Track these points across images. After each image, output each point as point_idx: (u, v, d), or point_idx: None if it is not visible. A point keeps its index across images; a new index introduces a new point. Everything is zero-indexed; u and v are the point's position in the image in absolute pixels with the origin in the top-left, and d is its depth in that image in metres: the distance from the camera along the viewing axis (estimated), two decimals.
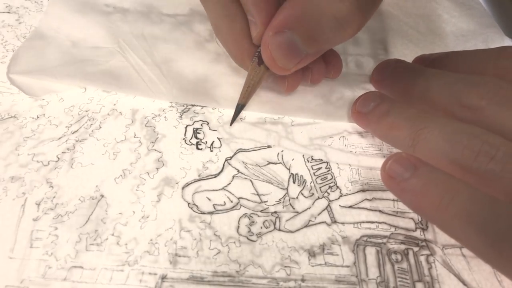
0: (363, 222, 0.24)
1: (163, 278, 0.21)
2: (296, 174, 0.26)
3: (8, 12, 0.33)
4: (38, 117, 0.27)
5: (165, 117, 0.28)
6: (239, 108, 0.27)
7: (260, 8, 0.23)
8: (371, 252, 0.23)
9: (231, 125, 0.28)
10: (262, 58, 0.24)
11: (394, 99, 0.26)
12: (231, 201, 0.24)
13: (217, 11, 0.25)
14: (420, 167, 0.21)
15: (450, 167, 0.21)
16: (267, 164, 0.26)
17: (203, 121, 0.28)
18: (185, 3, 0.34)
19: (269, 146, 0.27)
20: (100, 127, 0.27)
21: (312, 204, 0.25)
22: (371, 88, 0.30)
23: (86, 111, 0.27)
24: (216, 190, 0.25)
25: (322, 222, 0.24)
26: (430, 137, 0.22)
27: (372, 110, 0.26)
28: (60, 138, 0.26)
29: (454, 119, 0.23)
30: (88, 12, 0.32)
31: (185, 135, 0.27)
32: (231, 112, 0.27)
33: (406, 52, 0.33)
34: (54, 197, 0.23)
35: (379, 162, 0.27)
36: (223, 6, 0.24)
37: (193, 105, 0.29)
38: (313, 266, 0.22)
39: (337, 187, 0.26)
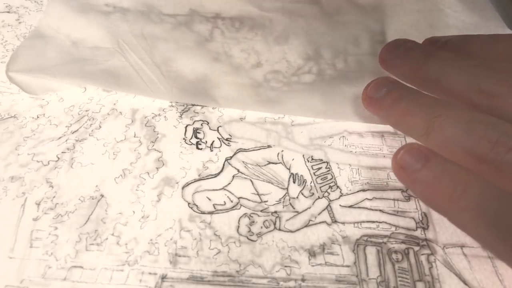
0: (364, 221, 0.24)
1: (163, 278, 0.21)
2: (296, 174, 0.26)
3: (8, 12, 0.33)
4: (38, 117, 0.26)
5: (165, 116, 0.28)
6: None
7: None
8: (371, 251, 0.23)
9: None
10: None
11: (407, 86, 0.25)
12: (231, 201, 0.24)
13: None
14: (432, 158, 0.20)
15: (465, 157, 0.20)
16: (267, 164, 0.26)
17: (203, 120, 0.28)
18: (185, 3, 0.34)
19: (269, 146, 0.27)
20: (100, 126, 0.27)
21: (312, 204, 0.25)
22: None
23: (86, 110, 0.27)
24: (216, 190, 0.25)
25: (322, 222, 0.24)
26: (445, 125, 0.21)
27: (384, 96, 0.24)
28: (60, 138, 0.26)
29: (470, 107, 0.22)
30: (88, 12, 0.32)
31: (185, 134, 0.27)
32: (231, 112, 0.27)
33: None
34: (54, 197, 0.23)
35: (379, 162, 0.27)
36: None
37: (193, 105, 0.29)
38: (313, 266, 0.22)
39: (337, 187, 0.26)
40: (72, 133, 0.26)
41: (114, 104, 0.28)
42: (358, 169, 0.26)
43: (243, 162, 0.26)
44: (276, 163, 0.26)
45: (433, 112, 0.22)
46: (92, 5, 0.33)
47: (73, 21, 0.31)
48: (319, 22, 0.34)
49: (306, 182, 0.26)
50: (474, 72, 0.23)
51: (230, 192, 0.25)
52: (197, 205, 0.24)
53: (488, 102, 0.22)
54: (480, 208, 0.18)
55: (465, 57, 0.24)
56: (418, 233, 0.24)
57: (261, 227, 0.23)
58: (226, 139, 0.27)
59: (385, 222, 0.24)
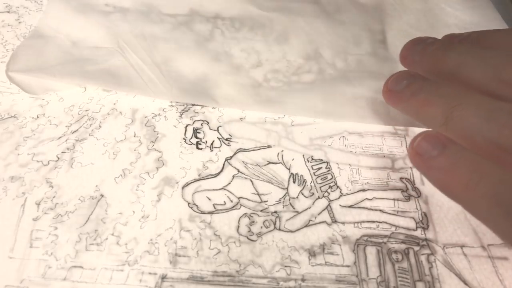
0: (364, 221, 0.24)
1: (163, 278, 0.21)
2: (296, 174, 0.26)
3: (8, 12, 0.33)
4: (38, 117, 0.26)
5: (165, 116, 0.28)
6: None
7: None
8: (371, 251, 0.23)
9: None
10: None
11: (428, 78, 0.25)
12: (231, 201, 0.24)
13: None
14: (449, 145, 0.20)
15: (486, 147, 0.20)
16: (267, 164, 0.26)
17: (203, 120, 0.28)
18: (185, 2, 0.34)
19: (269, 146, 0.27)
20: (100, 126, 0.27)
21: (312, 204, 0.25)
22: (373, 85, 0.30)
23: (86, 110, 0.27)
24: (216, 189, 0.25)
25: (322, 222, 0.24)
26: (464, 114, 0.20)
27: (405, 88, 0.24)
28: (60, 137, 0.26)
29: (491, 97, 0.21)
30: (88, 12, 0.32)
31: (185, 134, 0.27)
32: (231, 111, 0.27)
33: None
34: (54, 196, 0.23)
35: (379, 162, 0.27)
36: None
37: (193, 105, 0.29)
38: (313, 265, 0.22)
39: (337, 186, 0.25)
40: (72, 133, 0.26)
41: (114, 104, 0.28)
42: (358, 169, 0.26)
43: (243, 162, 0.26)
44: (276, 163, 0.26)
45: (452, 101, 0.21)
46: (92, 5, 0.33)
47: (73, 21, 0.31)
48: (319, 21, 0.34)
49: (306, 182, 0.26)
50: (494, 62, 0.22)
51: (230, 192, 0.24)
52: (197, 205, 0.24)
53: (510, 92, 0.21)
54: (497, 196, 0.18)
55: (485, 48, 0.24)
56: (418, 233, 0.24)
57: (261, 227, 0.23)
58: (226, 139, 0.27)
59: (385, 222, 0.24)
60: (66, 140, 0.26)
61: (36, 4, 0.34)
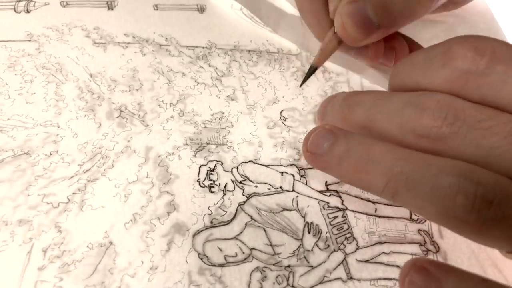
0: (380, 279, 0.23)
1: None
2: (311, 223, 0.25)
3: (29, 41, 0.33)
4: (51, 154, 0.26)
5: (179, 155, 0.27)
6: (312, 70, 0.27)
7: None
8: None
9: (300, 85, 0.29)
10: (335, 26, 0.24)
11: (349, 132, 0.21)
12: (243, 252, 0.23)
13: None
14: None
15: (440, 218, 0.18)
16: (282, 211, 0.25)
17: (217, 161, 0.27)
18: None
19: (283, 191, 0.26)
20: (112, 165, 0.26)
21: (328, 258, 0.24)
22: None
23: (100, 148, 0.27)
24: (228, 239, 0.24)
25: (338, 279, 0.23)
26: (410, 184, 0.18)
27: (329, 151, 0.21)
28: (71, 177, 0.25)
29: (418, 150, 0.19)
30: None
31: (198, 176, 0.26)
32: (246, 151, 0.27)
33: None
34: (61, 243, 0.23)
35: (396, 211, 0.26)
36: None
37: (208, 143, 0.28)
38: None
39: (354, 238, 0.25)
40: (84, 172, 0.26)
41: (128, 141, 0.27)
42: (375, 219, 0.26)
43: (256, 208, 0.25)
44: (290, 210, 0.25)
45: (390, 167, 0.19)
46: None
47: None
48: None
49: (321, 232, 0.25)
50: (404, 115, 0.20)
51: (242, 242, 0.24)
52: (207, 256, 0.23)
53: (433, 146, 0.19)
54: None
55: (391, 96, 0.21)
56: None
57: (274, 283, 0.22)
58: (240, 182, 0.26)
59: None
60: (77, 180, 0.25)
61: (57, 33, 0.34)
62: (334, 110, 0.24)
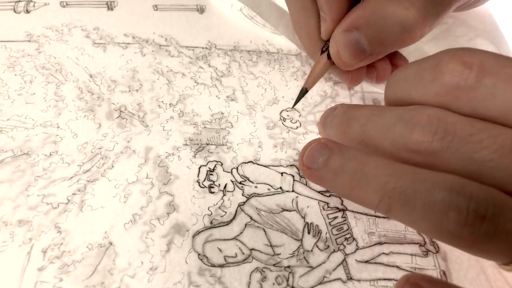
0: (380, 279, 0.23)
1: None
2: (311, 223, 0.25)
3: (28, 41, 0.33)
4: (51, 155, 0.26)
5: (178, 156, 0.27)
6: (303, 92, 0.28)
7: (331, 6, 0.25)
8: None
9: (293, 107, 0.30)
10: (330, 52, 0.26)
11: (344, 146, 0.21)
12: (243, 253, 0.23)
13: (296, 6, 0.28)
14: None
15: (433, 233, 0.18)
16: (281, 212, 0.25)
17: (217, 161, 0.27)
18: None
19: (283, 191, 0.26)
20: (112, 166, 0.26)
21: (327, 258, 0.24)
22: None
23: (100, 148, 0.27)
24: (228, 239, 0.24)
25: (337, 279, 0.23)
26: (403, 199, 0.18)
27: (323, 166, 0.21)
28: (71, 177, 0.25)
29: (423, 167, 0.19)
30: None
31: (198, 176, 0.26)
32: (245, 152, 0.27)
33: None
34: (61, 243, 0.22)
35: None
36: (302, 3, 0.28)
37: (207, 144, 0.28)
38: None
39: (354, 239, 0.25)
40: (84, 172, 0.26)
41: (128, 141, 0.27)
42: (375, 219, 0.25)
43: (256, 208, 0.25)
44: (290, 211, 0.25)
45: (385, 184, 0.19)
46: None
47: None
48: None
49: (321, 233, 0.25)
50: (396, 130, 0.20)
51: (242, 242, 0.24)
52: (207, 257, 0.23)
53: (426, 160, 0.19)
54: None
55: (383, 110, 0.22)
56: None
57: (273, 284, 0.22)
58: (240, 182, 0.26)
59: None
60: (77, 181, 0.25)
61: (57, 33, 0.34)
62: (334, 125, 0.24)
